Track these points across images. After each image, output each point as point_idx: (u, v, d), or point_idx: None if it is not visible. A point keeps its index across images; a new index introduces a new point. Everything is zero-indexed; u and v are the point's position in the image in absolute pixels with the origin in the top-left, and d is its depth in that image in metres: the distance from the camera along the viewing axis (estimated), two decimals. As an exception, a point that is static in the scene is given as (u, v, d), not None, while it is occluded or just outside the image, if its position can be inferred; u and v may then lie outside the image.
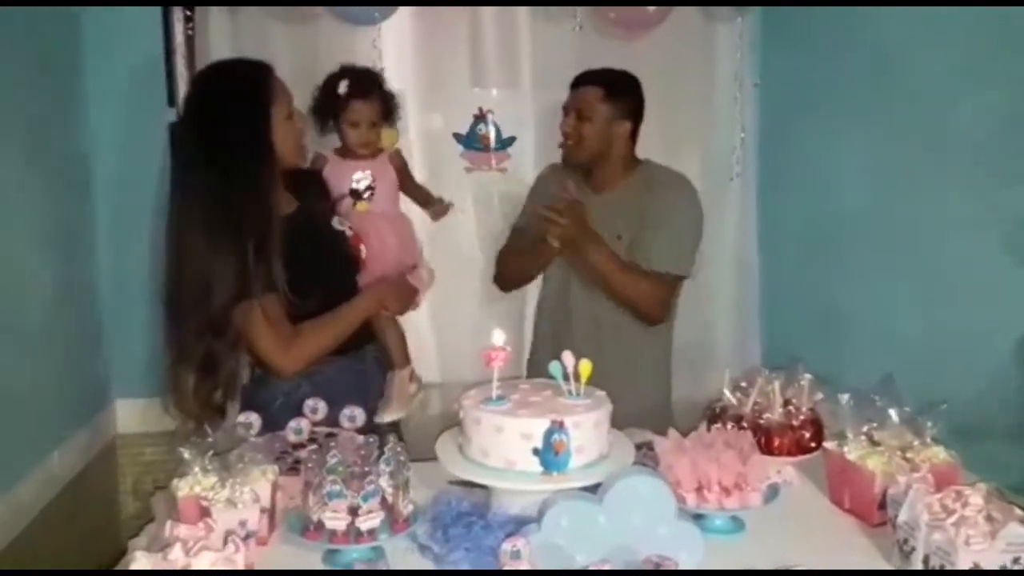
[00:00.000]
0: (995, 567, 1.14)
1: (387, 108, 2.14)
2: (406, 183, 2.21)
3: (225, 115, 1.69)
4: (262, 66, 1.77)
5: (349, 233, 1.95)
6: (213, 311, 1.61)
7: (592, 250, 2.06)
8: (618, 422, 1.49)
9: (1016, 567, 1.14)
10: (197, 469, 1.29)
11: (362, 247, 1.98)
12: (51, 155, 2.18)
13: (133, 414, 2.46)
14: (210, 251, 1.61)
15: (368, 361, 1.97)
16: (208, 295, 1.61)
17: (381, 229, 2.06)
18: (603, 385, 1.46)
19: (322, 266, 1.82)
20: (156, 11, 2.46)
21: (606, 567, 1.14)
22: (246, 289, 1.61)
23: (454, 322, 2.62)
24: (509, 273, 2.37)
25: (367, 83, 2.10)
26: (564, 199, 2.10)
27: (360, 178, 2.07)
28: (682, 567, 1.21)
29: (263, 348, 1.69)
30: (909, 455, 1.42)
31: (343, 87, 2.05)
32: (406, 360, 2.05)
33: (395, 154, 2.18)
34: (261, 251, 1.62)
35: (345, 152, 2.11)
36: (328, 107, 2.07)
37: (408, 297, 2.02)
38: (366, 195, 2.08)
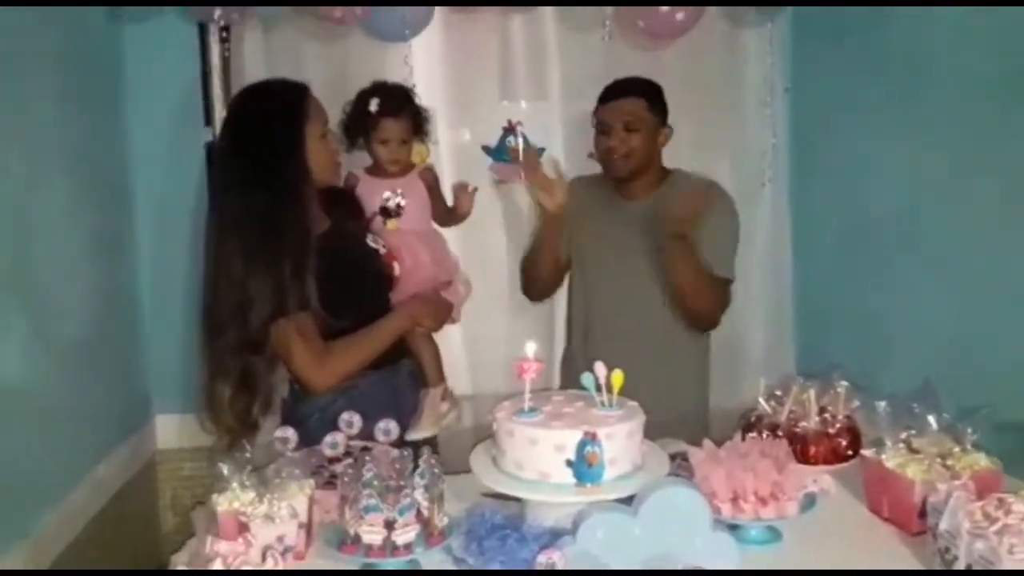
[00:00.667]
0: (1041, 577, 1.12)
1: (417, 124, 2.15)
2: (436, 200, 2.22)
3: (260, 134, 1.73)
4: (297, 86, 1.81)
5: (383, 251, 1.98)
6: (250, 328, 1.64)
7: (687, 252, 2.02)
8: (654, 432, 1.48)
9: (1062, 577, 1.12)
10: (235, 484, 1.31)
11: (395, 265, 2.00)
12: (94, 173, 2.25)
13: (172, 429, 2.51)
14: (247, 269, 1.65)
15: (402, 376, 1.99)
16: (245, 312, 1.64)
17: (414, 246, 2.08)
18: (639, 395, 1.46)
19: (355, 284, 1.84)
20: (193, 33, 2.53)
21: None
22: (282, 306, 1.64)
23: (485, 334, 2.62)
24: (531, 277, 2.36)
25: (398, 100, 2.11)
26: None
27: (389, 196, 2.08)
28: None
29: (297, 364, 1.72)
30: (949, 462, 1.39)
31: (374, 104, 2.06)
32: (440, 378, 2.07)
33: (426, 170, 2.19)
34: (297, 269, 1.65)
35: (375, 170, 2.13)
36: (359, 124, 2.09)
37: (443, 313, 2.05)
38: (397, 212, 2.09)
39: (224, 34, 2.53)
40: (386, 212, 2.08)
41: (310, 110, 1.77)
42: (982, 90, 1.85)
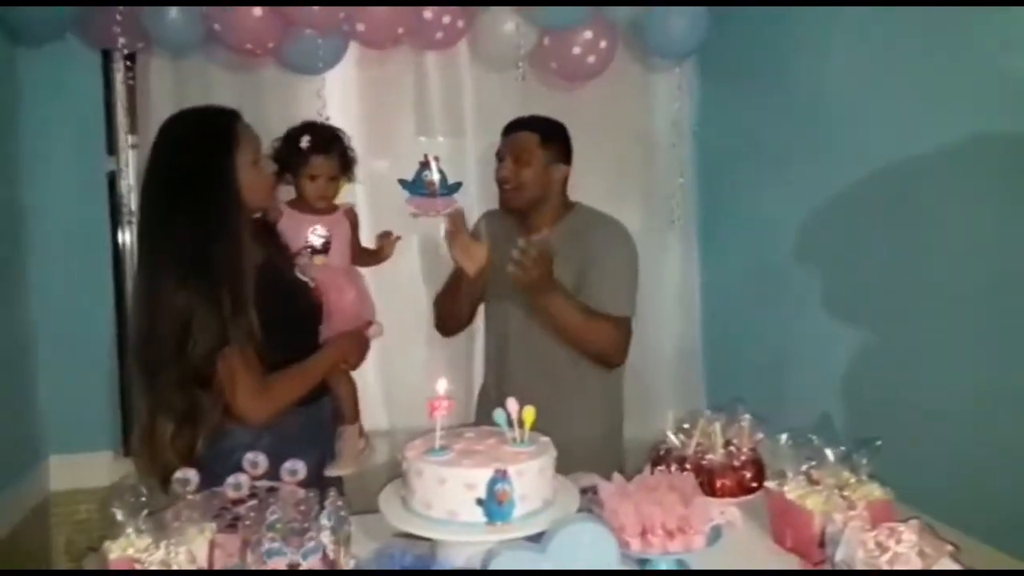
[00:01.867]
0: (929, 603, 1.16)
1: (346, 163, 2.16)
2: (356, 240, 2.21)
3: (190, 163, 1.69)
4: (226, 112, 1.77)
5: (312, 284, 1.96)
6: (195, 360, 1.60)
7: (554, 297, 2.02)
8: (569, 464, 1.49)
9: (948, 602, 1.17)
10: (130, 530, 1.25)
11: (324, 299, 1.98)
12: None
13: (67, 470, 2.39)
14: (186, 300, 1.60)
15: (325, 412, 1.97)
16: (188, 345, 1.59)
17: (340, 283, 2.07)
18: (553, 428, 1.46)
19: (290, 316, 1.82)
20: (96, 59, 2.45)
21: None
22: (224, 337, 1.60)
23: (401, 368, 2.61)
24: (444, 315, 2.37)
25: (328, 139, 2.13)
26: (531, 243, 1.97)
27: (319, 233, 2.08)
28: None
29: (239, 396, 1.67)
30: (846, 492, 1.44)
31: (305, 141, 2.07)
32: (356, 415, 2.06)
33: (350, 210, 2.20)
34: (237, 300, 1.62)
35: (300, 205, 2.11)
36: (289, 160, 2.07)
37: (365, 351, 2.05)
38: (324, 249, 2.08)
39: (128, 62, 2.47)
40: (314, 249, 2.06)
41: (240, 136, 1.73)
42: (883, 131, 1.96)
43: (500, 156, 2.22)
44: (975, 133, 1.71)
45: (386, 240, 2.29)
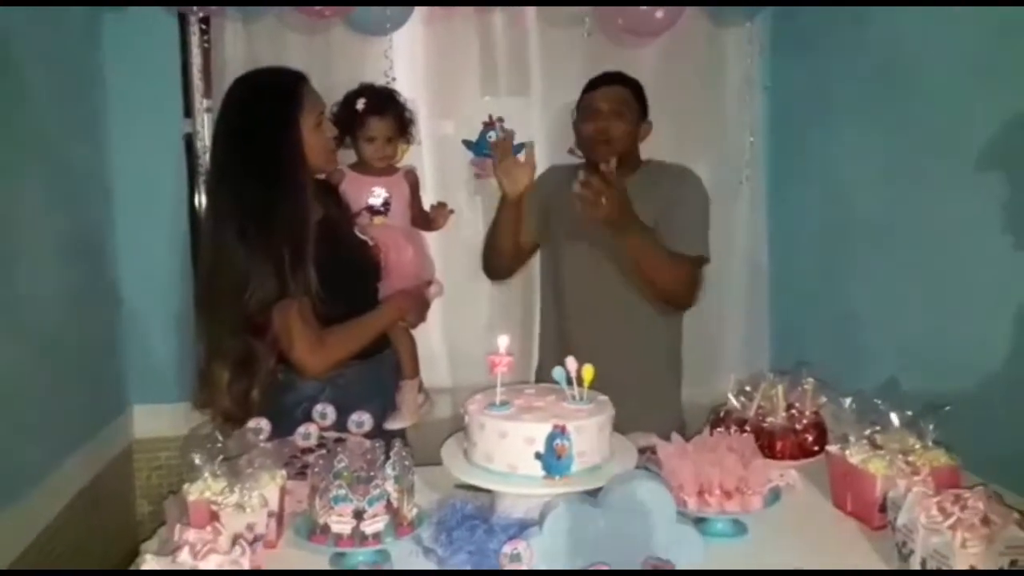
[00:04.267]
0: (993, 568, 1.14)
1: (402, 124, 2.18)
2: (416, 202, 2.24)
3: (256, 123, 1.74)
4: (293, 75, 1.82)
5: (372, 243, 2.00)
6: (251, 309, 1.66)
7: (633, 231, 1.96)
8: (627, 422, 1.50)
9: (1014, 570, 1.15)
10: (207, 474, 1.32)
11: (383, 256, 2.03)
12: (72, 165, 2.25)
13: (150, 419, 2.52)
14: (247, 255, 1.66)
15: (386, 366, 2.02)
16: (245, 294, 1.65)
17: (399, 242, 2.10)
18: (611, 384, 1.48)
19: (348, 273, 1.86)
20: (173, 24, 2.52)
21: (605, 568, 1.16)
22: (283, 289, 1.66)
23: (464, 327, 2.65)
24: (488, 251, 2.34)
25: (383, 100, 2.15)
26: (604, 174, 1.91)
27: (378, 193, 2.11)
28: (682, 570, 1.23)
29: (297, 347, 1.73)
30: (911, 458, 1.42)
31: (360, 104, 2.10)
32: (415, 371, 2.10)
33: (411, 172, 2.22)
34: (297, 254, 1.67)
35: (362, 168, 2.15)
36: (346, 123, 2.11)
37: (424, 310, 2.09)
38: (384, 209, 2.12)
39: (204, 26, 2.53)
40: (373, 209, 2.10)
41: (305, 99, 1.78)
42: (958, 92, 1.88)
43: (591, 109, 2.17)
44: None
45: (440, 211, 2.31)
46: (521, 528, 1.30)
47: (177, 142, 2.58)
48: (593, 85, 2.20)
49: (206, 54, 2.56)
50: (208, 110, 2.59)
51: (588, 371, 1.43)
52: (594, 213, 1.85)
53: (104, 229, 2.46)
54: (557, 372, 1.45)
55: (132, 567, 1.21)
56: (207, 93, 2.58)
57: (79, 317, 2.22)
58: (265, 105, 1.76)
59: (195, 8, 2.34)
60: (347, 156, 2.17)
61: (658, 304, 2.13)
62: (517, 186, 2.11)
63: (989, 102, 1.78)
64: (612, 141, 2.13)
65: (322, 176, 1.96)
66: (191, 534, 1.16)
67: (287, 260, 1.66)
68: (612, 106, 2.14)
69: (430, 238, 2.29)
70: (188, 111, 2.60)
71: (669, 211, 2.09)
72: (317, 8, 2.34)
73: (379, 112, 2.12)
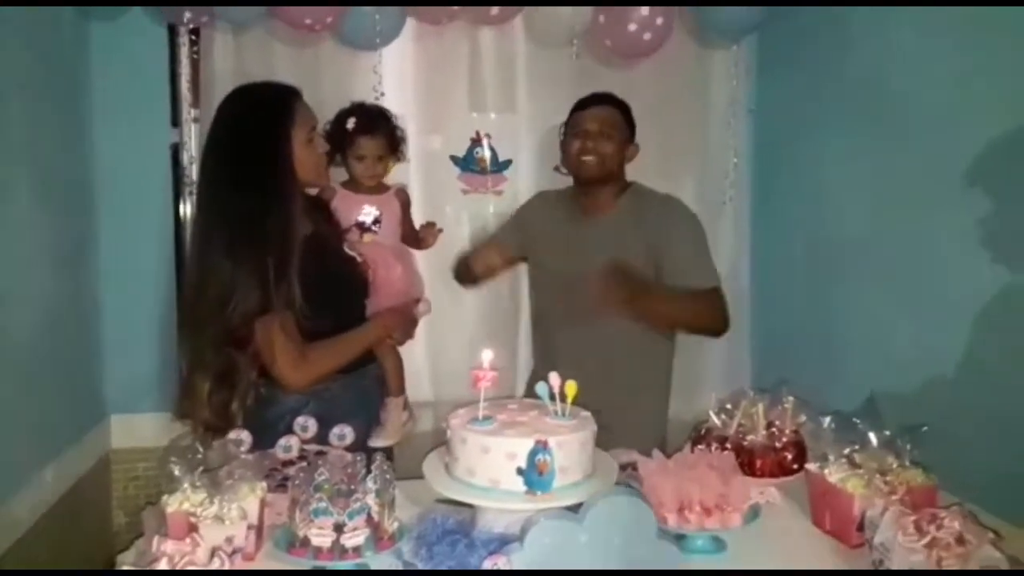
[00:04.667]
0: (968, 589, 1.16)
1: (393, 143, 2.20)
2: (406, 221, 2.25)
3: (248, 136, 1.75)
4: (286, 89, 1.83)
5: (360, 259, 2.01)
6: (234, 322, 1.66)
7: (649, 300, 2.02)
8: (612, 441, 1.51)
9: (988, 589, 1.16)
10: (186, 485, 1.31)
11: (371, 273, 2.03)
12: (57, 173, 2.24)
13: (128, 429, 2.50)
14: (233, 267, 1.66)
15: (370, 380, 2.02)
16: (230, 308, 1.65)
17: (388, 259, 2.11)
18: (600, 407, 1.48)
19: (335, 288, 1.87)
20: (162, 34, 2.52)
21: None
22: (267, 303, 1.66)
23: (447, 341, 2.65)
24: (463, 271, 2.38)
25: (373, 119, 2.17)
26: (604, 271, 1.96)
27: (368, 211, 2.12)
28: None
29: (278, 361, 1.73)
30: (888, 477, 1.43)
31: (351, 123, 2.12)
32: (401, 389, 2.11)
33: (401, 191, 2.24)
34: (282, 268, 1.67)
35: (353, 185, 2.16)
36: (337, 140, 2.12)
37: (412, 328, 2.10)
38: (374, 227, 2.13)
39: (193, 36, 2.53)
40: (363, 226, 2.11)
41: (297, 114, 1.79)
42: (940, 113, 1.91)
43: (579, 128, 2.18)
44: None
45: (428, 231, 2.34)
46: (502, 543, 1.30)
47: (164, 152, 2.58)
48: (583, 105, 2.21)
49: (195, 65, 2.57)
50: (196, 120, 2.59)
51: (571, 387, 1.44)
52: (608, 306, 1.95)
53: (87, 237, 2.45)
54: (540, 388, 1.45)
55: (109, 578, 1.20)
56: (195, 103, 2.58)
57: (59, 325, 2.20)
58: (257, 118, 1.77)
59: (185, 19, 2.34)
60: (340, 174, 2.18)
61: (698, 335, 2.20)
62: (485, 265, 2.25)
63: (971, 122, 1.81)
64: (600, 162, 2.15)
65: (314, 192, 1.97)
66: (169, 546, 1.15)
67: (271, 274, 1.66)
68: (601, 127, 2.16)
69: (416, 252, 2.30)
70: (175, 121, 2.60)
71: (671, 248, 2.10)
72: (307, 21, 2.35)
73: (369, 131, 2.13)
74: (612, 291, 1.93)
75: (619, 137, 2.17)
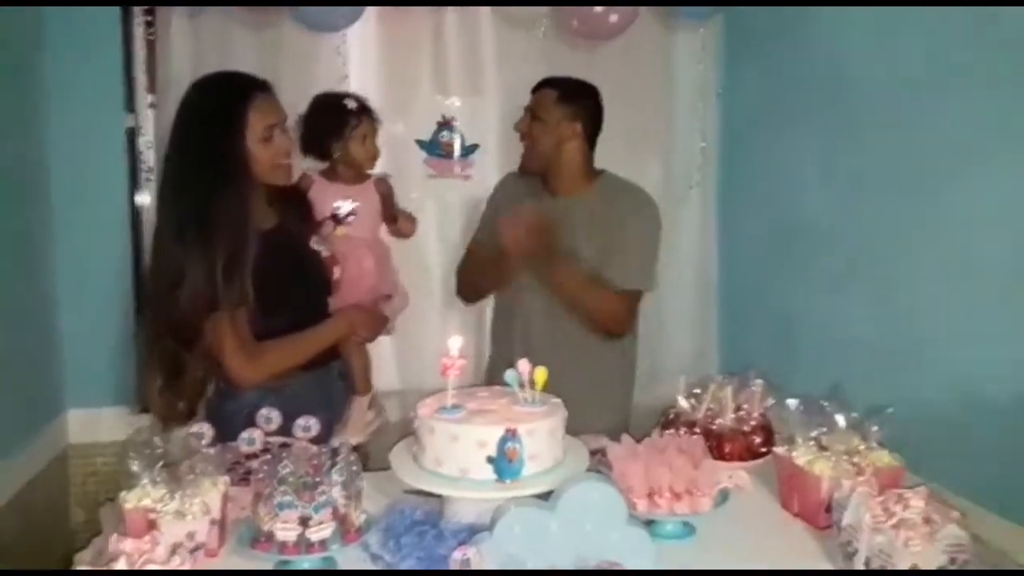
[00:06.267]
0: (933, 567, 1.17)
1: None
2: (388, 210, 2.19)
3: (201, 130, 1.72)
4: (249, 82, 1.78)
5: (325, 254, 1.97)
6: (179, 318, 1.64)
7: (555, 266, 2.05)
8: (578, 429, 1.50)
9: (952, 567, 1.17)
10: (145, 481, 1.28)
11: (336, 269, 1.99)
12: (6, 160, 2.16)
13: (86, 424, 2.44)
14: (182, 260, 1.64)
15: (333, 377, 1.99)
16: (175, 301, 1.63)
17: (360, 254, 2.07)
18: (565, 391, 1.48)
19: (294, 285, 1.84)
20: (116, 15, 2.44)
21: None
22: (214, 301, 1.63)
23: (415, 329, 2.61)
24: (470, 287, 2.37)
25: (362, 100, 2.13)
26: (523, 214, 2.04)
27: (340, 205, 2.07)
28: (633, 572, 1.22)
29: (228, 358, 1.70)
30: (855, 459, 1.44)
31: (351, 103, 2.07)
32: (367, 387, 2.07)
33: (381, 180, 2.17)
34: (232, 265, 1.64)
35: (331, 175, 2.10)
36: (330, 127, 2.06)
37: (380, 326, 2.05)
38: (348, 220, 2.07)
39: (149, 18, 2.46)
40: (336, 219, 2.06)
41: (253, 110, 1.73)
42: (905, 95, 1.92)
43: (526, 111, 2.20)
44: (998, 101, 1.66)
45: (406, 219, 2.27)
46: (471, 533, 1.29)
47: (119, 138, 2.50)
48: (533, 90, 2.21)
49: (150, 47, 2.49)
50: (152, 106, 2.51)
51: (541, 374, 1.43)
52: (517, 248, 1.97)
53: (40, 226, 2.37)
54: (509, 375, 1.44)
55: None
56: (151, 88, 2.51)
57: (11, 317, 2.14)
58: (210, 113, 1.73)
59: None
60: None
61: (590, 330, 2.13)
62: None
63: (936, 108, 1.82)
64: (533, 143, 2.16)
65: (283, 185, 1.91)
66: (128, 544, 1.12)
67: (220, 270, 1.63)
68: (535, 109, 2.16)
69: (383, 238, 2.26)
70: (131, 106, 2.52)
71: (618, 239, 2.09)
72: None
73: (368, 110, 2.10)
74: (521, 239, 1.97)
75: (553, 118, 2.13)
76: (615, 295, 2.10)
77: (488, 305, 2.48)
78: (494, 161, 2.67)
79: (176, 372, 1.70)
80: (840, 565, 1.29)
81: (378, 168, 2.36)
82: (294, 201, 1.96)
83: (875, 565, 1.21)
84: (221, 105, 1.74)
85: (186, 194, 1.68)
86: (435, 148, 2.67)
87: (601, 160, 2.26)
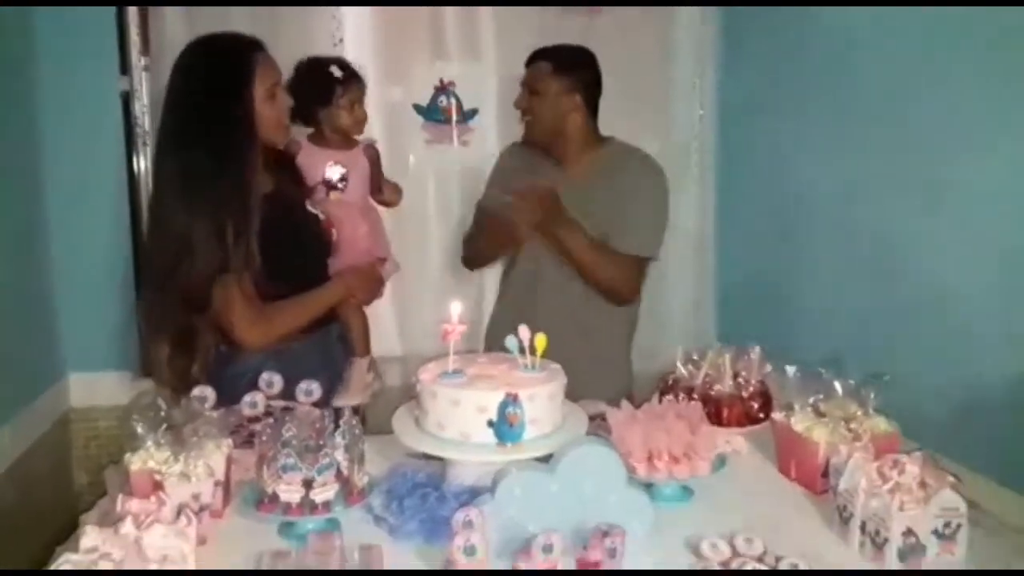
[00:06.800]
0: (928, 531, 1.19)
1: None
2: (376, 177, 2.17)
3: (204, 90, 1.70)
4: (248, 41, 1.76)
5: (323, 217, 1.97)
6: (190, 284, 1.63)
7: (564, 233, 2.05)
8: (584, 394, 1.52)
9: (948, 531, 1.19)
10: (150, 443, 1.29)
11: (333, 232, 1.99)
12: (3, 122, 2.14)
13: (87, 388, 2.44)
14: (189, 227, 1.63)
15: (333, 339, 1.99)
16: (185, 268, 1.62)
17: (354, 218, 2.06)
18: (566, 356, 1.48)
19: (296, 247, 1.84)
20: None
21: (556, 536, 1.17)
22: (224, 264, 1.63)
23: (414, 295, 2.62)
24: (477, 256, 2.37)
25: (350, 65, 2.09)
26: (532, 185, 2.05)
27: (335, 168, 2.05)
28: (632, 535, 1.24)
29: (234, 321, 1.70)
30: (853, 425, 1.46)
31: (336, 69, 2.03)
32: (366, 350, 2.07)
33: (369, 147, 2.15)
34: (239, 228, 1.64)
35: (319, 140, 2.08)
36: (316, 94, 2.03)
37: (377, 288, 2.06)
38: (340, 185, 2.06)
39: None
40: (329, 184, 2.05)
41: (257, 68, 1.72)
42: (908, 70, 1.91)
43: (521, 87, 2.18)
44: (999, 84, 1.66)
45: (390, 190, 2.23)
46: (473, 495, 1.30)
47: (115, 100, 2.47)
48: (527, 63, 2.19)
49: (144, 12, 2.45)
50: (146, 68, 2.48)
51: (541, 340, 1.43)
52: (526, 219, 1.99)
53: (38, 189, 2.35)
54: (510, 341, 1.44)
55: (73, 539, 1.17)
56: (145, 50, 2.47)
57: (11, 282, 2.13)
58: (214, 73, 1.71)
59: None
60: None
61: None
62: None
63: (934, 89, 1.82)
64: (533, 118, 2.15)
65: (280, 147, 1.90)
66: (134, 504, 1.13)
67: (229, 233, 1.63)
68: (529, 82, 2.14)
69: (382, 211, 2.25)
70: (125, 68, 2.49)
71: (626, 205, 2.09)
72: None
73: (355, 75, 2.07)
74: (529, 211, 1.98)
75: (550, 91, 2.12)
76: (624, 260, 2.10)
77: (489, 271, 2.48)
78: (493, 127, 2.65)
79: (186, 340, 1.70)
80: (836, 528, 1.31)
81: (375, 134, 2.35)
82: (286, 165, 1.95)
83: (870, 528, 1.23)
84: (225, 65, 1.72)
85: (190, 157, 1.65)
86: (433, 113, 2.65)
87: (602, 127, 2.24)
